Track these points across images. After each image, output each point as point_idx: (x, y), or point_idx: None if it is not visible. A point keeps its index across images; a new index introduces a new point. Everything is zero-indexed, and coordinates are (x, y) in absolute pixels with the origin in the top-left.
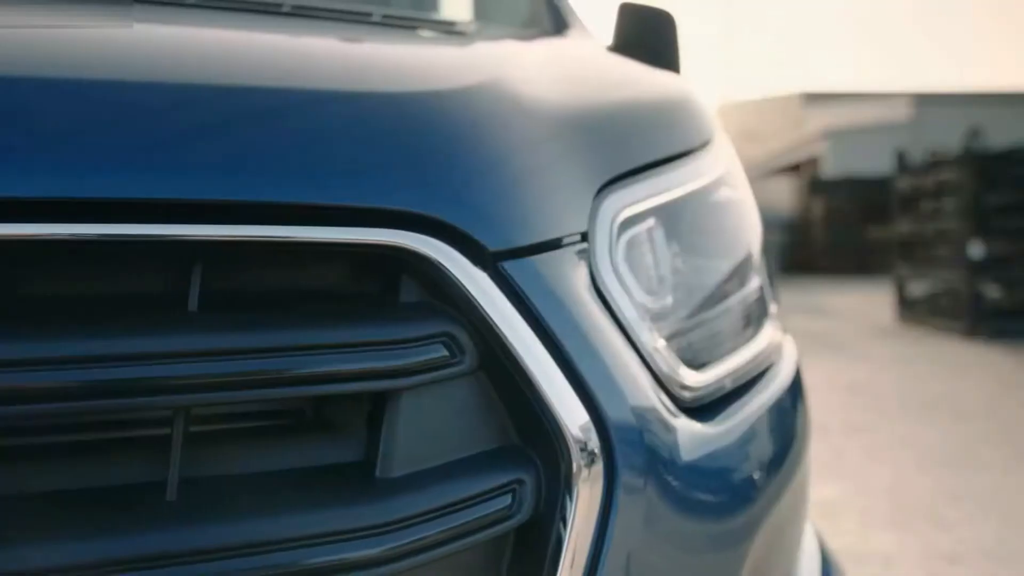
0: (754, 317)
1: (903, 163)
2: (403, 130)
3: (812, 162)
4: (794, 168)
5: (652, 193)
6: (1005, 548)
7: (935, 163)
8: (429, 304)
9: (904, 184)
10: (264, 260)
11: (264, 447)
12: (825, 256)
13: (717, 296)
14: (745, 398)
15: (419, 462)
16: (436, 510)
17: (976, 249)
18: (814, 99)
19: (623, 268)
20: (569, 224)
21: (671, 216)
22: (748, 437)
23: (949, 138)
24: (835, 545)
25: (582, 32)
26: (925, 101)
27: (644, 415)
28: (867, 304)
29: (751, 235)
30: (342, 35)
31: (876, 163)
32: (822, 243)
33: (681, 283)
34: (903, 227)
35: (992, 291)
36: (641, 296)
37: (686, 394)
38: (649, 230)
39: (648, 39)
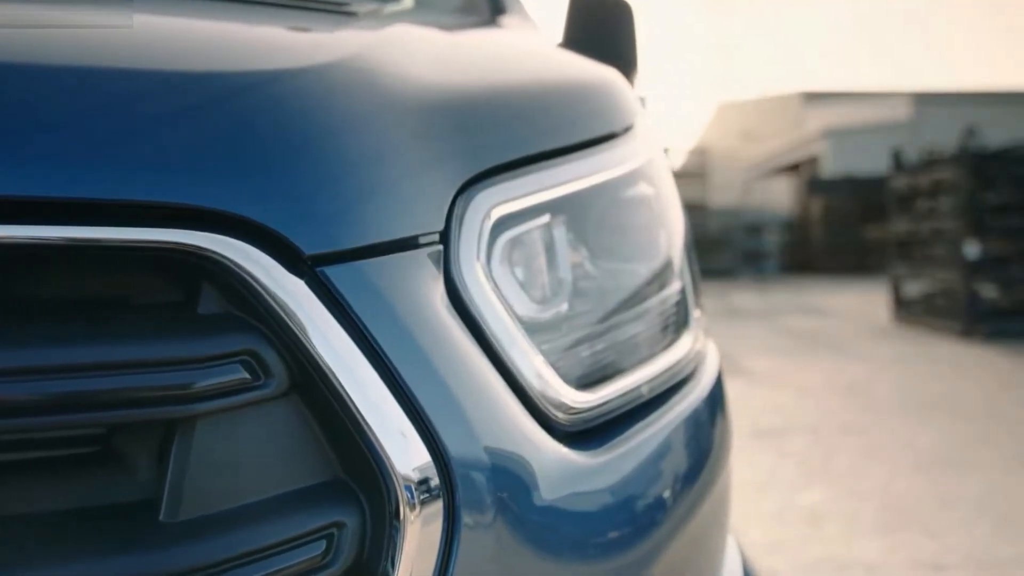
0: (671, 325)
1: (899, 162)
2: (219, 116)
3: (811, 162)
4: (793, 168)
5: (545, 186)
6: (995, 556)
7: (931, 162)
8: (230, 316)
9: (900, 183)
10: (61, 264)
11: (50, 481)
12: (823, 256)
13: (627, 302)
14: (651, 416)
15: (215, 503)
16: (226, 561)
17: (972, 249)
18: (813, 99)
19: (500, 272)
20: (419, 223)
21: (574, 212)
22: (648, 461)
23: (949, 137)
24: (815, 554)
25: (519, 20)
26: (925, 100)
27: (499, 445)
28: (864, 304)
29: (672, 234)
30: (198, 13)
31: (875, 163)
32: (820, 243)
33: (585, 288)
34: (899, 227)
35: (988, 291)
36: (524, 304)
37: (566, 417)
38: (544, 228)
39: (601, 30)
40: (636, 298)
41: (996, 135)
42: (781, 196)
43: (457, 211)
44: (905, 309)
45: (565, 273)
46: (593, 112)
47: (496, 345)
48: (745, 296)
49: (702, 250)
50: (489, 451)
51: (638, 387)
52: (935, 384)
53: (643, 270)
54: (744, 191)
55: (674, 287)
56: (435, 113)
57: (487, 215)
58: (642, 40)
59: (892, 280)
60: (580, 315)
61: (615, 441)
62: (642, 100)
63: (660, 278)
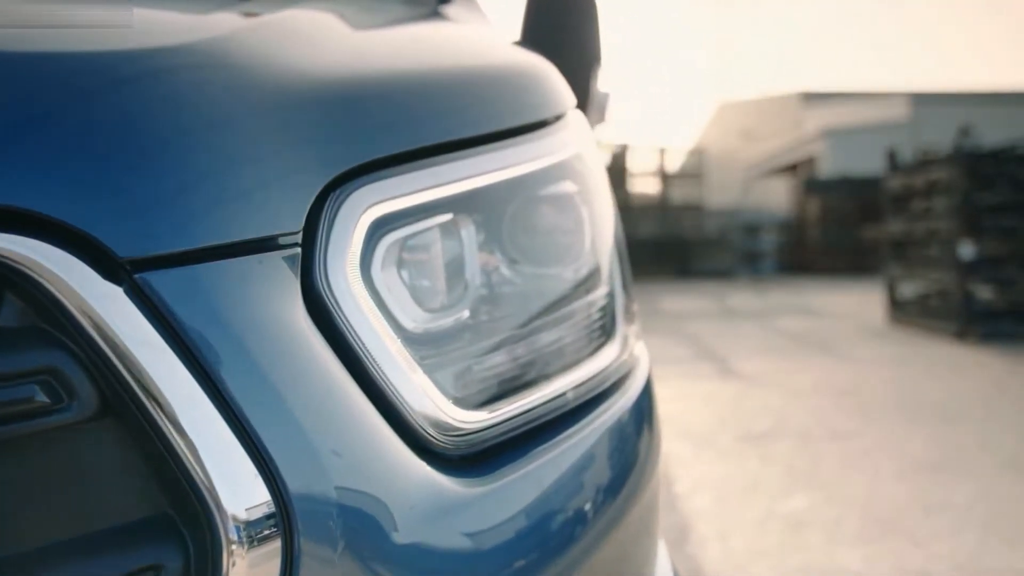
0: (593, 335)
1: (894, 162)
2: (26, 105)
3: (809, 162)
4: (792, 168)
5: (445, 181)
6: (980, 564)
7: (925, 162)
8: (33, 331)
9: (895, 183)
10: None
11: None
12: (821, 256)
13: (543, 310)
14: (561, 434)
15: (11, 543)
16: None
17: (966, 249)
18: (812, 99)
19: (383, 278)
20: (272, 223)
21: (485, 210)
22: (552, 484)
23: (947, 137)
24: (796, 562)
25: (465, 12)
26: (923, 101)
27: (354, 475)
28: (860, 305)
29: (599, 236)
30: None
31: (874, 163)
32: (818, 243)
33: (495, 295)
34: (894, 227)
35: (983, 292)
36: (413, 313)
37: (451, 440)
38: (446, 228)
39: (561, 24)
40: (553, 305)
41: (995, 135)
42: (779, 196)
43: (327, 210)
44: (900, 310)
45: (472, 277)
46: (512, 101)
47: (365, 360)
48: (741, 296)
49: (700, 250)
50: (341, 483)
51: (545, 403)
52: (927, 386)
53: (564, 274)
54: (743, 191)
55: (599, 293)
56: (308, 102)
57: (363, 214)
58: (607, 34)
59: (887, 281)
60: (485, 324)
61: (513, 464)
62: (607, 95)
63: (583, 283)
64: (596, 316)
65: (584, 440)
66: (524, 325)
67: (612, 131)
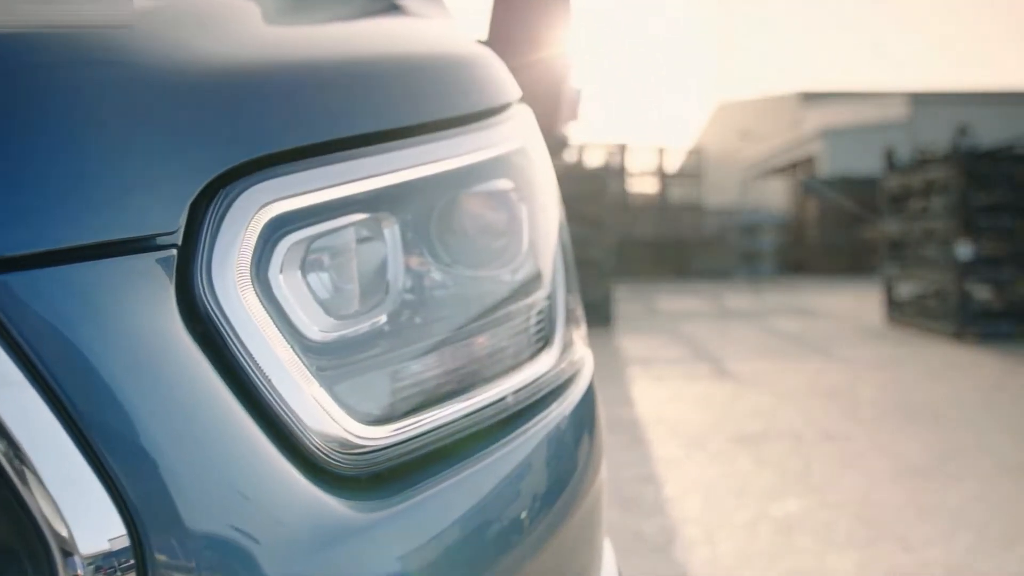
0: (528, 342)
1: (891, 162)
2: None
3: (808, 162)
4: (791, 168)
5: (361, 176)
6: (972, 569)
7: (923, 162)
8: None
9: (892, 183)
10: None
11: None
12: (819, 256)
13: (471, 315)
14: (485, 449)
15: None
16: None
17: (964, 249)
18: (811, 98)
19: (279, 283)
20: (140, 223)
21: (411, 207)
22: (476, 503)
23: (946, 137)
24: (785, 566)
25: (422, 5)
26: (922, 100)
27: (221, 502)
28: (858, 305)
29: (541, 236)
30: None
31: (872, 163)
32: (816, 243)
33: (418, 299)
34: (892, 227)
35: (981, 292)
36: (317, 320)
37: (350, 459)
38: (361, 227)
39: (529, 19)
40: (484, 310)
41: (994, 135)
42: (778, 196)
43: (213, 209)
44: (897, 310)
45: (393, 280)
46: (446, 92)
47: (250, 372)
48: (739, 297)
49: (698, 250)
50: (207, 512)
51: (468, 415)
52: (922, 388)
53: (498, 277)
54: (742, 191)
55: (536, 297)
56: (200, 93)
57: (257, 213)
58: (577, 30)
59: (885, 281)
60: (406, 331)
61: (425, 483)
62: (579, 92)
63: (519, 287)
64: (532, 322)
65: (511, 454)
66: (450, 332)
67: (585, 128)
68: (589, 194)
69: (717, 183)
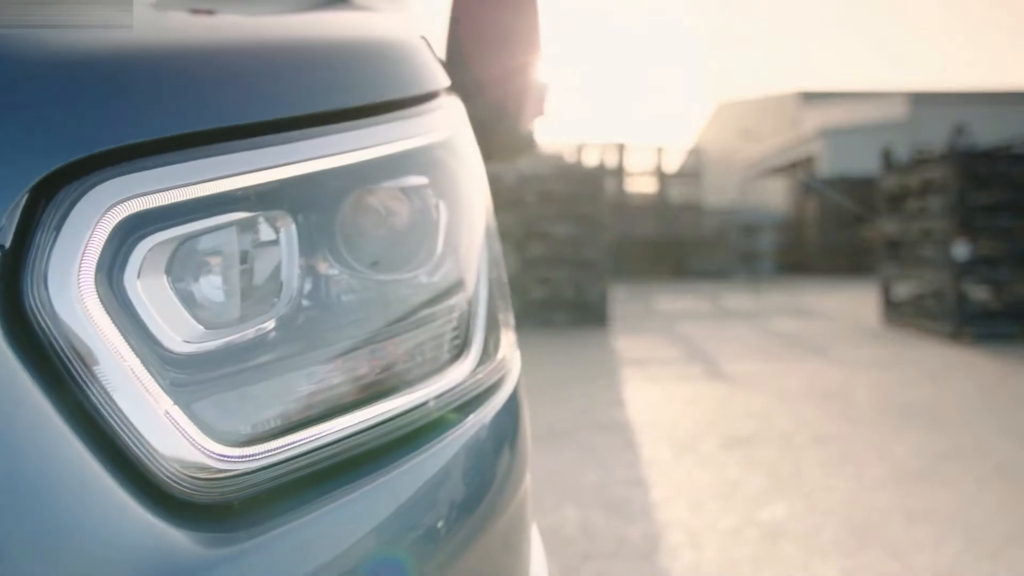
0: (442, 347)
1: (889, 161)
2: None
3: (807, 162)
4: (791, 168)
5: (243, 170)
6: None
7: (920, 161)
8: None
9: (890, 183)
10: None
11: None
12: (818, 256)
13: (376, 321)
14: (388, 464)
15: None
16: None
17: (961, 249)
18: (811, 98)
19: (136, 289)
20: None
21: (306, 205)
22: (372, 528)
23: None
24: (769, 575)
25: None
26: (921, 100)
27: (39, 535)
28: (855, 305)
29: (460, 235)
30: None
31: (873, 162)
32: (815, 243)
33: (311, 304)
34: (889, 227)
35: (978, 292)
36: (180, 330)
37: (206, 483)
38: (244, 225)
39: (495, 12)
40: (387, 317)
41: (994, 135)
42: (778, 196)
43: (53, 208)
44: (895, 311)
45: (283, 284)
46: (353, 79)
47: (86, 387)
48: (737, 297)
49: (697, 250)
50: (12, 547)
51: (364, 430)
52: (917, 389)
53: (406, 280)
54: (741, 191)
55: (452, 304)
56: (40, 79)
57: (108, 212)
58: (547, 24)
59: (882, 281)
60: (294, 340)
61: (300, 509)
62: (545, 86)
63: (432, 293)
64: (446, 329)
65: (416, 470)
66: (349, 341)
67: (554, 124)
68: (585, 193)
69: (717, 183)
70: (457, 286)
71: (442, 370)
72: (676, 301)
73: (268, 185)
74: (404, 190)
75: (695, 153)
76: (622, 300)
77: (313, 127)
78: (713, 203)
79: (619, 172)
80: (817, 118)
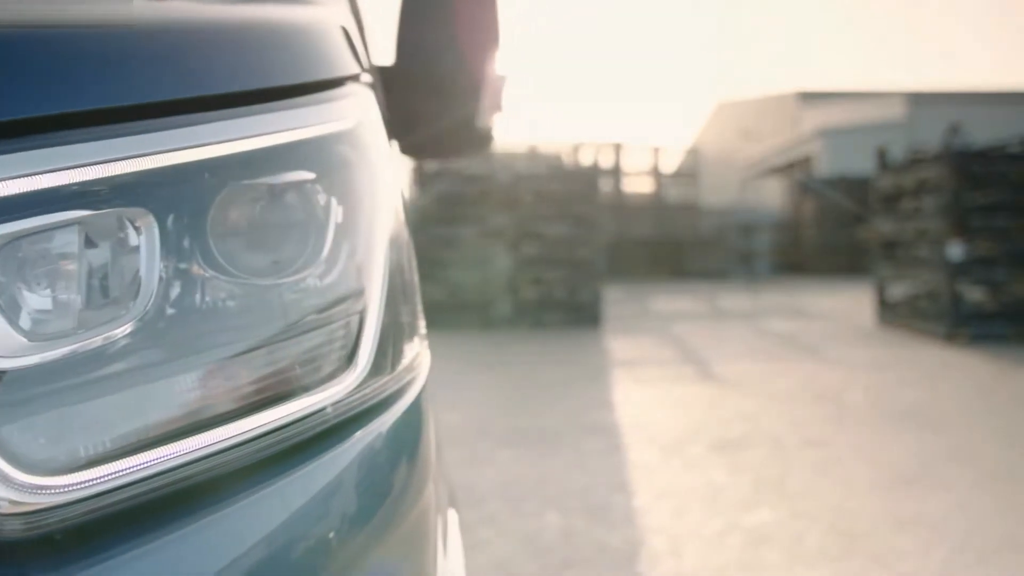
0: (331, 356)
1: (884, 161)
2: None
3: (805, 162)
4: (789, 168)
5: (93, 160)
6: None
7: (915, 161)
8: None
9: (885, 183)
10: None
11: None
12: (816, 256)
13: (245, 330)
14: (246, 490)
15: None
16: None
17: (955, 249)
18: (810, 98)
19: None
20: None
21: (168, 200)
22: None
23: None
24: None
25: None
26: (920, 100)
27: None
28: (851, 306)
29: (356, 236)
30: None
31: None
32: (813, 243)
33: (177, 312)
34: (885, 227)
35: (973, 293)
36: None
37: (9, 521)
38: (96, 223)
39: (443, 5)
40: (257, 325)
41: (992, 135)
42: (776, 196)
43: None
44: (890, 311)
45: (144, 289)
46: (232, 61)
47: None
48: (733, 298)
49: (695, 251)
50: None
51: (225, 449)
52: (910, 391)
53: (289, 285)
54: (740, 191)
55: (339, 310)
56: None
57: None
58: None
59: (877, 281)
60: (144, 352)
61: (131, 543)
62: (503, 79)
63: (317, 298)
64: (330, 338)
65: (284, 495)
66: (213, 351)
67: (512, 119)
68: (580, 193)
69: (716, 183)
70: (346, 292)
71: (324, 383)
72: (672, 302)
73: (123, 178)
74: (288, 185)
75: (693, 153)
76: (618, 300)
77: (182, 114)
78: (711, 203)
79: (616, 172)
80: (816, 118)
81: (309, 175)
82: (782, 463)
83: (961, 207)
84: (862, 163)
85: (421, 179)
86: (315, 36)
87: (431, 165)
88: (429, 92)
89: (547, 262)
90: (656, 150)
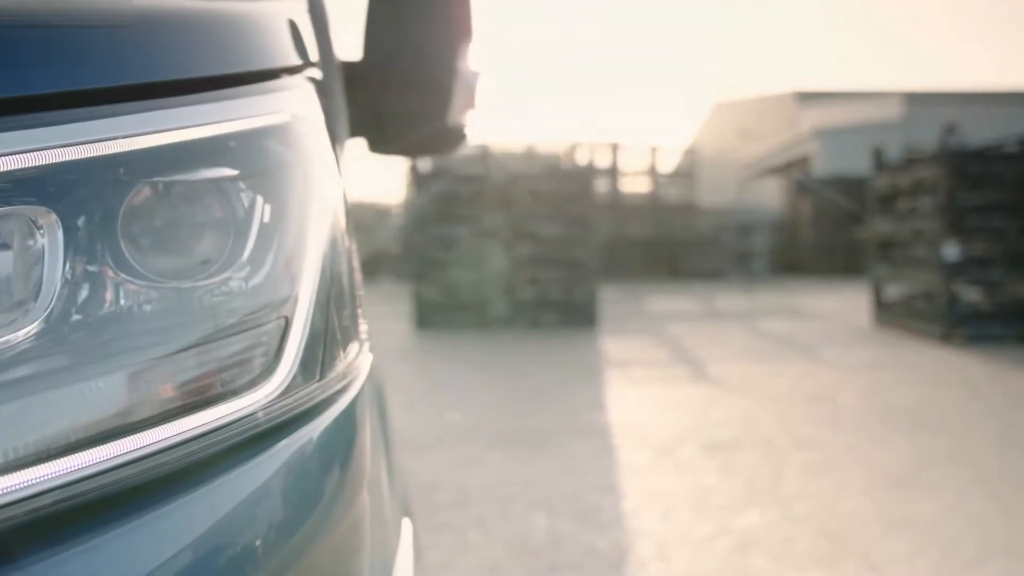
0: (252, 362)
1: (880, 161)
2: None
3: (803, 162)
4: (787, 167)
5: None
6: None
7: (911, 161)
8: None
9: (882, 183)
10: None
11: None
12: (813, 256)
13: (155, 335)
14: (149, 506)
15: None
16: None
17: (951, 250)
18: (808, 98)
19: None
20: None
21: (80, 199)
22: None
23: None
24: None
25: None
26: (917, 100)
27: None
28: (848, 306)
29: (284, 238)
30: None
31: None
32: (810, 243)
33: (83, 318)
34: (881, 227)
35: (969, 293)
36: None
37: None
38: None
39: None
40: (171, 329)
41: (991, 135)
42: (773, 196)
43: None
44: (886, 312)
45: (46, 293)
46: (149, 50)
47: None
48: (730, 298)
49: (692, 251)
50: None
51: (126, 463)
52: (904, 392)
53: (205, 288)
54: (738, 191)
55: (261, 315)
56: None
57: None
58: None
59: (873, 282)
60: (44, 358)
61: (43, 553)
62: (476, 75)
63: (235, 302)
64: (249, 344)
65: (191, 509)
66: (120, 357)
67: (486, 117)
68: (575, 193)
69: (713, 183)
70: (269, 297)
71: (244, 390)
72: (668, 302)
73: (23, 173)
74: (208, 183)
75: (690, 153)
76: (614, 301)
77: (92, 105)
78: (708, 203)
79: (614, 172)
80: (814, 118)
81: (231, 172)
82: (774, 465)
83: (957, 207)
84: (860, 163)
85: (417, 180)
86: (250, 26)
87: (426, 166)
88: (398, 89)
89: (543, 262)
90: (654, 150)
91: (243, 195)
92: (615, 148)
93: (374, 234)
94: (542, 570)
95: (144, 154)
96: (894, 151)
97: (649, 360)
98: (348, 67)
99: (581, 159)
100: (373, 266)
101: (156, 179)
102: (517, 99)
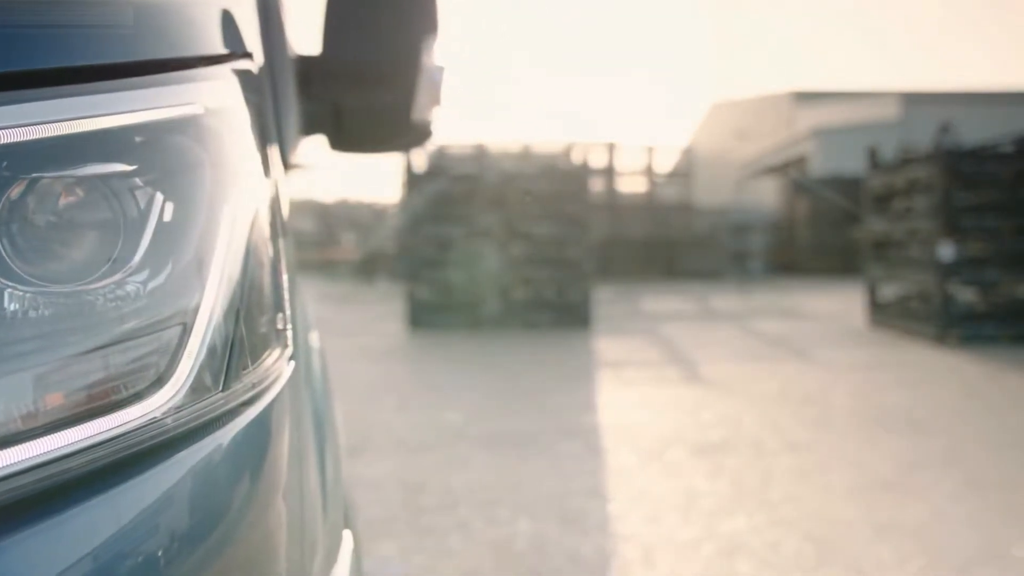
0: (144, 371)
1: (875, 161)
2: None
3: (800, 161)
4: (784, 167)
5: None
6: None
7: (906, 161)
8: None
9: (876, 182)
10: None
11: None
12: (809, 256)
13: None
14: (46, 510)
15: None
16: None
17: (946, 250)
18: (805, 98)
19: None
20: None
21: None
22: None
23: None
24: None
25: None
26: (914, 100)
27: None
28: (843, 306)
29: (184, 236)
30: None
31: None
32: (807, 243)
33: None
34: (876, 227)
35: (964, 294)
36: None
37: None
38: None
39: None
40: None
41: (986, 135)
42: (770, 196)
43: None
44: (881, 312)
45: None
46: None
47: None
48: (725, 298)
49: (688, 250)
50: None
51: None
52: (897, 393)
53: (94, 292)
54: (736, 191)
55: (154, 321)
56: None
57: None
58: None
59: (868, 282)
60: None
61: None
62: (440, 70)
63: (126, 307)
64: (139, 351)
65: (97, 517)
66: (31, 352)
67: (451, 113)
68: (569, 193)
69: (710, 183)
70: (168, 302)
71: (135, 400)
72: (664, 302)
73: None
74: (97, 178)
75: (687, 153)
76: (609, 301)
77: None
78: (705, 203)
79: (610, 172)
80: (810, 118)
81: (127, 167)
82: (763, 468)
83: (952, 207)
84: (857, 163)
85: (412, 179)
86: (168, 13)
87: (421, 165)
88: (358, 84)
89: (536, 262)
90: (650, 150)
91: (139, 192)
92: (612, 148)
93: (371, 234)
94: None
95: (25, 147)
96: (891, 151)
97: (642, 361)
98: (305, 61)
99: (577, 159)
100: (369, 266)
101: (39, 174)
102: (514, 98)
